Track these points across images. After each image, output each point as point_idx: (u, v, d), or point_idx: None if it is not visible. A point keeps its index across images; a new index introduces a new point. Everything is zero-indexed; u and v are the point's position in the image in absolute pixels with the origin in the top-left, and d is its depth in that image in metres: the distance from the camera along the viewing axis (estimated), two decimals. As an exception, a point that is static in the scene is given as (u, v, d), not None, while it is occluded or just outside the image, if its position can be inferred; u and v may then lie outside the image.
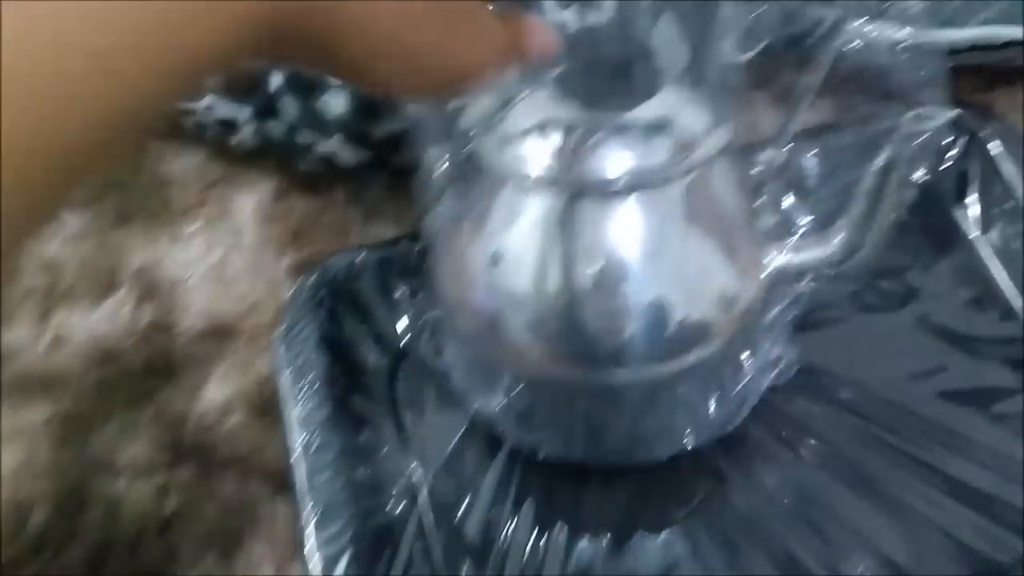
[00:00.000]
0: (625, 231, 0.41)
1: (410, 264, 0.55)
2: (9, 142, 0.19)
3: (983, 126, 0.59)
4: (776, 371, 0.49)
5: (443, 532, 0.48)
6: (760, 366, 0.48)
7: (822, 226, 0.44)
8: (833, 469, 0.49)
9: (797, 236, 0.45)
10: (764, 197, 0.44)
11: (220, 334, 0.58)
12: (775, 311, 0.46)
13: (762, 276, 0.44)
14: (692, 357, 0.43)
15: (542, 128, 0.41)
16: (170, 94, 0.23)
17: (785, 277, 0.45)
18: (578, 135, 0.40)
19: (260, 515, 0.52)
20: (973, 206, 0.59)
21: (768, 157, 0.44)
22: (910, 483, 0.49)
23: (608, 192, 0.40)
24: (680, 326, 0.42)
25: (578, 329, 0.41)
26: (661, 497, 0.49)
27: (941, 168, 0.59)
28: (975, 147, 0.59)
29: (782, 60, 0.63)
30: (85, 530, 0.53)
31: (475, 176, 0.44)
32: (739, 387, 0.47)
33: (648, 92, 0.41)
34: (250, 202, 0.62)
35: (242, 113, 0.59)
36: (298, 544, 0.48)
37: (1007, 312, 0.56)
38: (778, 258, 0.44)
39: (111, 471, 0.54)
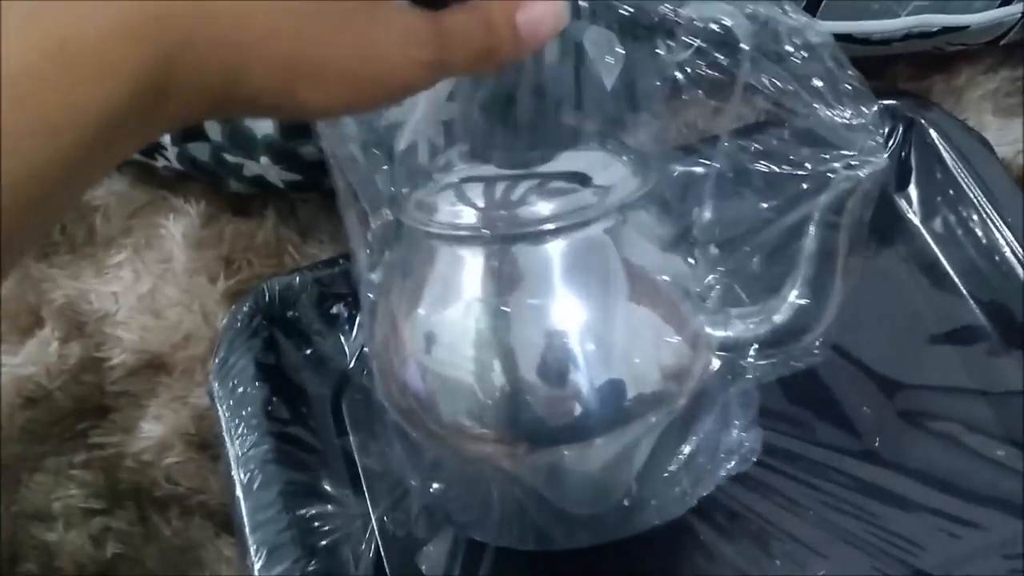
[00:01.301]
0: (557, 283, 0.38)
1: (349, 285, 0.53)
2: None
3: (922, 114, 0.58)
4: (736, 459, 0.44)
5: (397, 571, 0.46)
6: (716, 449, 0.43)
7: (761, 289, 0.40)
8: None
9: (726, 299, 0.40)
10: (694, 255, 0.40)
11: (153, 368, 0.55)
12: (726, 389, 0.41)
13: (698, 341, 0.39)
14: (629, 431, 0.39)
15: (462, 184, 0.39)
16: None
17: (731, 351, 0.40)
18: (501, 187, 0.38)
19: (204, 557, 0.50)
20: (915, 194, 0.59)
21: (696, 213, 0.39)
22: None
23: (535, 236, 0.38)
24: (621, 394, 0.38)
25: (520, 400, 0.37)
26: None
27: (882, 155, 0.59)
28: (914, 135, 0.59)
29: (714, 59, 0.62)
30: (20, 583, 0.51)
31: (404, 240, 0.41)
32: (692, 469, 0.42)
33: (561, 146, 0.39)
34: (179, 228, 0.60)
35: (166, 135, 0.57)
36: (245, 586, 0.47)
37: (952, 299, 0.56)
38: (713, 325, 0.39)
39: (45, 519, 0.52)
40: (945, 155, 0.57)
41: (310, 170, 0.55)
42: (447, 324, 0.38)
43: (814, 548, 0.46)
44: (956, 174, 0.56)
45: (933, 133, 0.58)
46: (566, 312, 0.38)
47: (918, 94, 0.61)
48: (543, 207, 0.38)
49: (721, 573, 0.46)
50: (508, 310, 0.37)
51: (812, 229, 0.36)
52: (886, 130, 0.59)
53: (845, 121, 0.35)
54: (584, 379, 0.37)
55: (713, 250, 0.40)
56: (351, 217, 0.43)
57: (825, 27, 0.57)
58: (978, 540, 0.47)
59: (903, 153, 0.59)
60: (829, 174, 0.35)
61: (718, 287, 0.39)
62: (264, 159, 0.54)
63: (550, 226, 0.38)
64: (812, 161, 0.36)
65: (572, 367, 0.37)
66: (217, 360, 0.51)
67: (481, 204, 0.39)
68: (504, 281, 0.38)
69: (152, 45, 0.23)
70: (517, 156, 0.38)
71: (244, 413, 0.49)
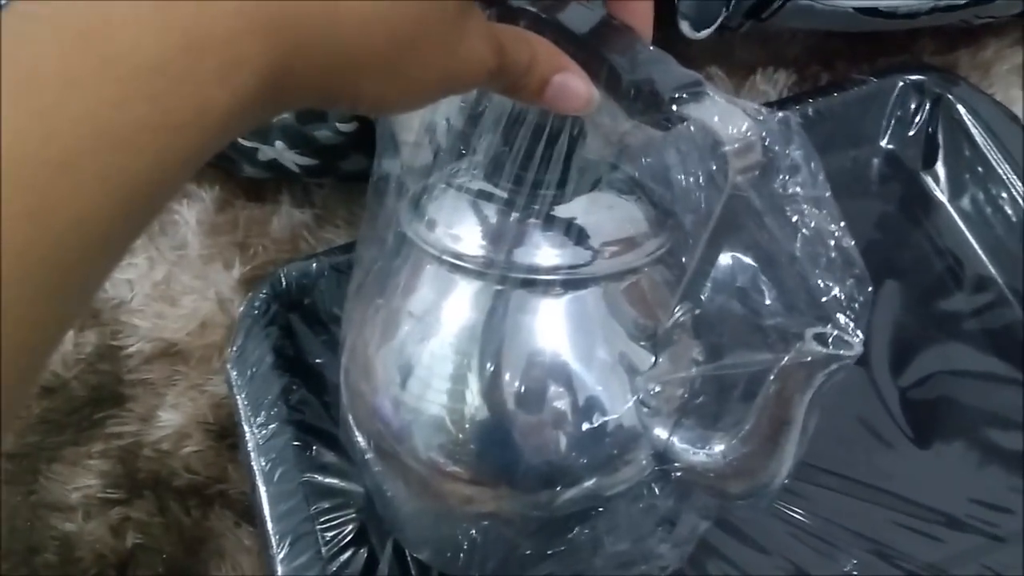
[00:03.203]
0: (553, 334, 0.36)
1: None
2: None
3: (949, 88, 0.57)
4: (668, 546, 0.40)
5: (421, 561, 0.45)
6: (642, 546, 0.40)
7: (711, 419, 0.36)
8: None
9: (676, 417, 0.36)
10: (661, 358, 0.36)
11: (169, 356, 0.55)
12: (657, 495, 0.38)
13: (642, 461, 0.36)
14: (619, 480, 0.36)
15: (470, 204, 0.37)
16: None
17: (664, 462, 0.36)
18: (510, 220, 0.36)
19: (224, 546, 0.50)
20: (942, 171, 0.58)
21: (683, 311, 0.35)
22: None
23: (532, 283, 0.35)
24: (612, 442, 0.35)
25: (497, 439, 0.35)
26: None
27: (909, 134, 0.58)
28: (941, 110, 0.57)
29: (736, 35, 0.61)
30: (39, 574, 0.50)
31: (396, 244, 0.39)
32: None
33: (583, 185, 0.36)
34: (193, 214, 0.59)
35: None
36: (266, 577, 0.46)
37: (981, 281, 0.54)
38: (660, 440, 0.36)
39: (64, 510, 0.51)
40: (973, 131, 0.56)
41: (325, 154, 0.54)
42: (425, 356, 0.37)
43: (840, 542, 0.46)
44: (985, 151, 0.55)
45: (961, 108, 0.56)
46: (550, 358, 0.36)
47: (944, 69, 0.60)
48: (548, 255, 0.35)
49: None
50: (492, 350, 0.35)
51: (770, 387, 0.32)
52: (918, 117, 0.58)
53: (823, 288, 0.31)
54: (564, 425, 0.35)
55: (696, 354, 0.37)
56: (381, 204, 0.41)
57: (850, 2, 0.56)
58: (1011, 526, 0.46)
59: (930, 129, 0.58)
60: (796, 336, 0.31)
61: (666, 395, 0.36)
62: (279, 143, 0.53)
63: (550, 277, 0.35)
64: (783, 316, 0.32)
65: (552, 412, 0.35)
66: (235, 348, 0.50)
67: (487, 234, 0.36)
68: (493, 321, 0.36)
69: (274, 48, 0.23)
70: (533, 187, 0.36)
71: (263, 401, 0.48)
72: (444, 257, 0.36)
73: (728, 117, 0.29)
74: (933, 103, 0.57)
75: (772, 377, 0.31)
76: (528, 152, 0.36)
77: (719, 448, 0.34)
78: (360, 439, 0.40)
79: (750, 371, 0.32)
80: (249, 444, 0.47)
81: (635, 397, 0.35)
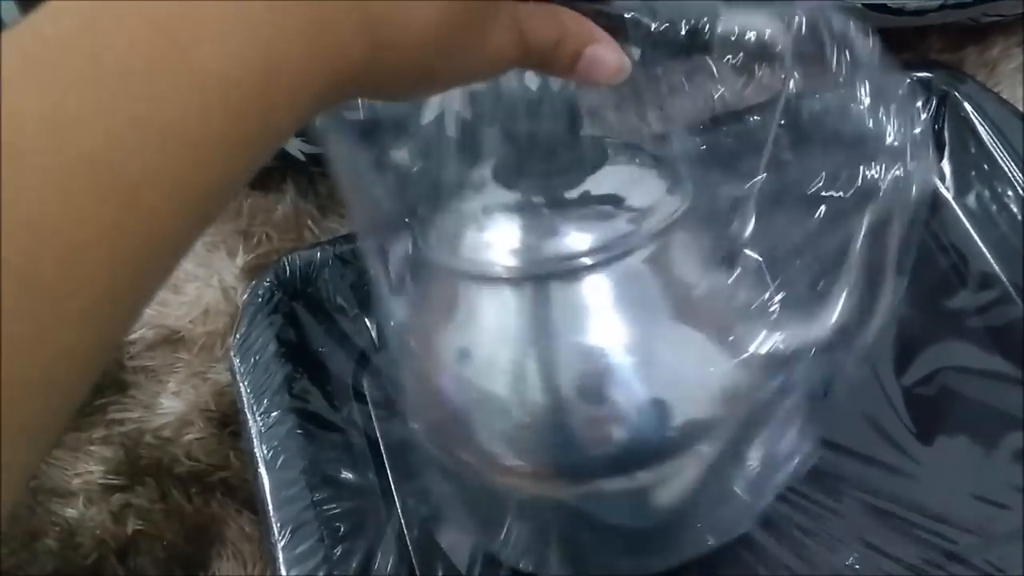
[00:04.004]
0: (598, 320, 0.36)
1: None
2: None
3: (956, 86, 0.57)
4: (791, 468, 0.42)
5: (422, 550, 0.45)
6: (770, 463, 0.41)
7: (804, 298, 0.37)
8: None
9: (776, 312, 0.36)
10: (738, 271, 0.37)
11: (172, 344, 0.55)
12: (778, 407, 0.39)
13: (749, 360, 0.37)
14: (682, 459, 0.37)
15: (488, 213, 0.37)
16: None
17: (778, 361, 0.37)
18: (532, 218, 0.36)
19: (225, 534, 0.50)
20: (948, 168, 0.58)
21: (736, 227, 0.36)
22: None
23: (571, 272, 0.35)
24: (668, 423, 0.36)
25: (561, 434, 0.36)
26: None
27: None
28: (948, 108, 0.57)
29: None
30: (39, 560, 0.50)
31: (428, 270, 0.39)
32: (746, 487, 0.40)
33: (590, 165, 0.37)
34: (196, 201, 0.59)
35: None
36: (268, 564, 0.46)
37: (986, 278, 0.54)
38: (763, 341, 0.36)
39: (65, 496, 0.51)
40: (980, 128, 0.56)
41: (331, 142, 0.54)
42: (479, 344, 0.37)
43: (841, 535, 0.46)
44: (991, 148, 0.55)
45: (967, 106, 0.56)
46: (606, 347, 0.36)
47: (952, 66, 0.60)
48: (578, 239, 0.35)
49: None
50: (544, 351, 0.36)
51: (860, 239, 0.34)
52: (924, 115, 0.58)
53: (892, 133, 0.33)
54: (628, 411, 0.35)
55: (755, 257, 0.37)
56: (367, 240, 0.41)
57: (858, -3, 0.56)
58: (1013, 523, 0.46)
59: (936, 126, 0.58)
60: (880, 184, 0.34)
61: (768, 300, 0.37)
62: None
63: (587, 261, 0.35)
64: (859, 175, 0.35)
65: (614, 402, 0.35)
66: (238, 335, 0.50)
67: (511, 237, 0.36)
68: (539, 321, 0.36)
69: (337, 73, 0.24)
70: (545, 180, 0.36)
71: (266, 389, 0.48)
72: (474, 271, 0.36)
73: (766, 22, 0.31)
74: (940, 100, 0.57)
75: (863, 227, 0.33)
76: (533, 146, 0.36)
77: (831, 319, 0.35)
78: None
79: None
80: (252, 432, 0.47)
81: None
